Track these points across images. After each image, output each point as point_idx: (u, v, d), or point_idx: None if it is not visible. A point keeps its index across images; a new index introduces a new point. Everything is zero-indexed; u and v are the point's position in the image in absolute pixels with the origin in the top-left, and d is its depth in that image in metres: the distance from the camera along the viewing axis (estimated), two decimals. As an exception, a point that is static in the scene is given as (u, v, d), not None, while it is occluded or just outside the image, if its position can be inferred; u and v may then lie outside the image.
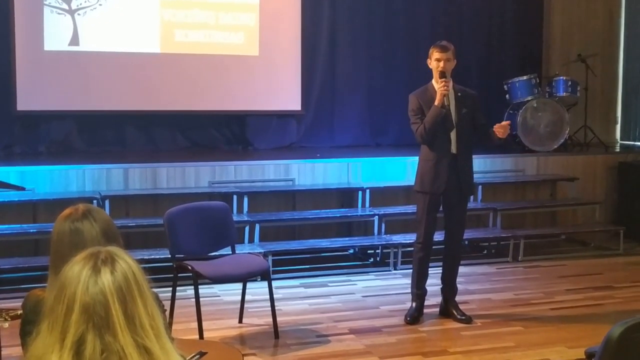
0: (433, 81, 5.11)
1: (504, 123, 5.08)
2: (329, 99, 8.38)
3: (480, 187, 7.27)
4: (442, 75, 5.00)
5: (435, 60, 5.05)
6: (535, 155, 7.86)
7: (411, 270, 5.33)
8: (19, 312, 2.49)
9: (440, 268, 5.37)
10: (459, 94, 5.13)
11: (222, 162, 6.92)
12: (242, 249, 6.02)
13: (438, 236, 5.35)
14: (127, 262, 1.53)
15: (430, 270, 5.33)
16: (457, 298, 5.33)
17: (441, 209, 5.23)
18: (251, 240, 6.44)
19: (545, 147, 7.97)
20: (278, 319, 4.92)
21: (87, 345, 1.44)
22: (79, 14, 7.42)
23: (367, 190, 6.98)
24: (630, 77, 9.27)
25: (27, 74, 7.26)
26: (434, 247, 5.29)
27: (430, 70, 5.14)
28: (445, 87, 4.97)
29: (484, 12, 8.85)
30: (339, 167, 7.15)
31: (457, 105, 5.10)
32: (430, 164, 5.08)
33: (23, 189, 6.13)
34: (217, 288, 5.80)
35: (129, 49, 7.59)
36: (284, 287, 5.93)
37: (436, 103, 4.98)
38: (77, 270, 1.50)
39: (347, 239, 6.93)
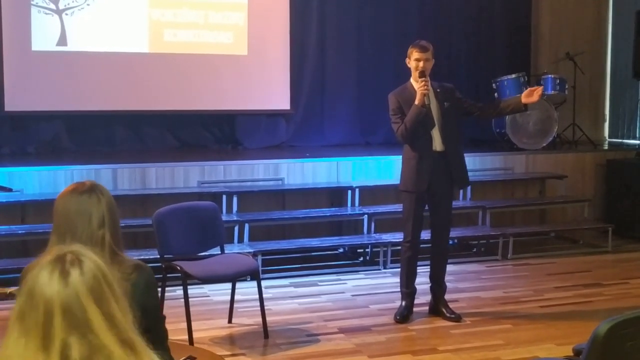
0: (412, 80, 5.13)
1: (536, 88, 5.12)
2: (319, 98, 8.37)
3: (469, 185, 7.30)
4: (422, 74, 5.02)
5: (415, 60, 5.06)
6: (524, 153, 7.88)
7: (400, 270, 5.34)
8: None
9: (429, 266, 5.37)
10: (438, 90, 5.15)
11: (212, 161, 6.91)
12: (232, 248, 6.01)
13: (426, 235, 5.36)
14: (93, 261, 1.51)
15: (419, 269, 5.34)
16: (447, 296, 5.34)
17: (427, 207, 5.25)
18: (240, 240, 6.43)
19: (534, 145, 7.99)
20: (268, 318, 4.91)
21: (72, 351, 1.42)
22: (66, 14, 7.39)
23: (357, 189, 6.98)
24: (618, 75, 9.31)
25: (14, 74, 7.22)
26: (421, 245, 5.30)
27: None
28: (425, 87, 4.98)
29: (473, 10, 8.87)
30: (328, 166, 7.15)
31: (438, 101, 5.11)
32: (413, 162, 5.10)
33: (11, 190, 6.12)
34: (206, 288, 5.80)
35: (117, 49, 7.57)
36: (274, 287, 5.93)
37: (417, 102, 4.99)
38: (46, 275, 1.46)
39: (336, 238, 6.93)
